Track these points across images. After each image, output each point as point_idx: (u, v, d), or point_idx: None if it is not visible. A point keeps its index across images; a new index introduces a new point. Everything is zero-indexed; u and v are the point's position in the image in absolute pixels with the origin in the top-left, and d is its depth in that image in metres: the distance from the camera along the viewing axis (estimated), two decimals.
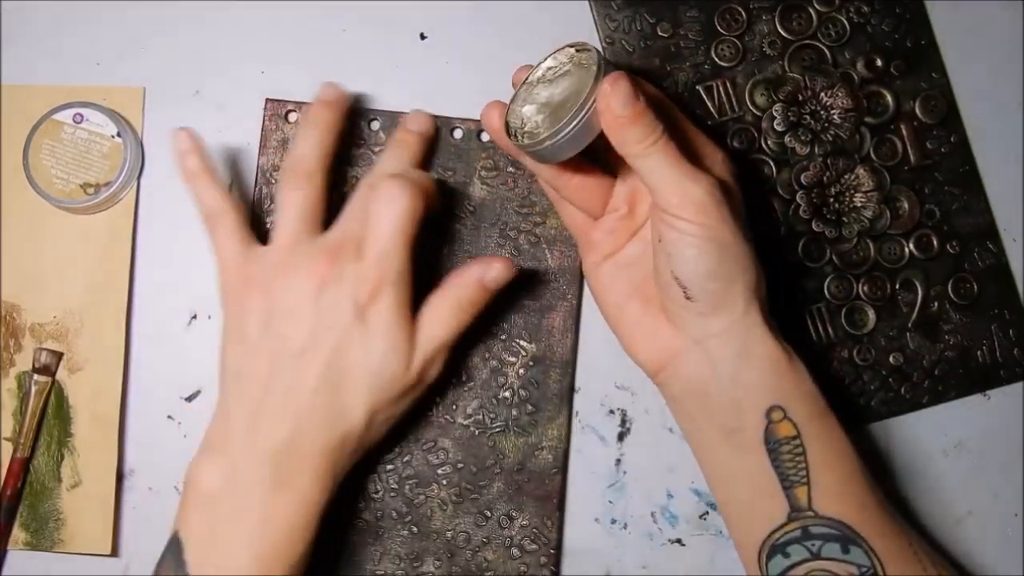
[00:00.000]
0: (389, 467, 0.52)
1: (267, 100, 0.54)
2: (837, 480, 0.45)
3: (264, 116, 0.54)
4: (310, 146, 0.49)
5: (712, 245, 0.43)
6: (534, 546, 0.52)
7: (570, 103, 0.43)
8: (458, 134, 0.54)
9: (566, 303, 0.53)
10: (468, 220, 0.53)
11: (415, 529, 0.52)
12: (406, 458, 0.52)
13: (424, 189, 0.47)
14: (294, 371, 0.45)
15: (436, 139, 0.53)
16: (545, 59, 0.46)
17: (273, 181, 0.53)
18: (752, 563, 0.45)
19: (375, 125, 0.54)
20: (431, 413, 0.52)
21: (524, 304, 0.53)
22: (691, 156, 0.45)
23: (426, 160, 0.53)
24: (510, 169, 0.54)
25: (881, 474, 0.54)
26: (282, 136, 0.54)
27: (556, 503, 0.52)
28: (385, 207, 0.46)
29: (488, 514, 0.52)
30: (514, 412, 0.53)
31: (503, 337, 0.53)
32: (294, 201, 0.48)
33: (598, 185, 0.48)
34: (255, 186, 0.53)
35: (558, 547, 0.52)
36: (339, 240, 0.47)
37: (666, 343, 0.46)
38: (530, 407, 0.53)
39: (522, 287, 0.53)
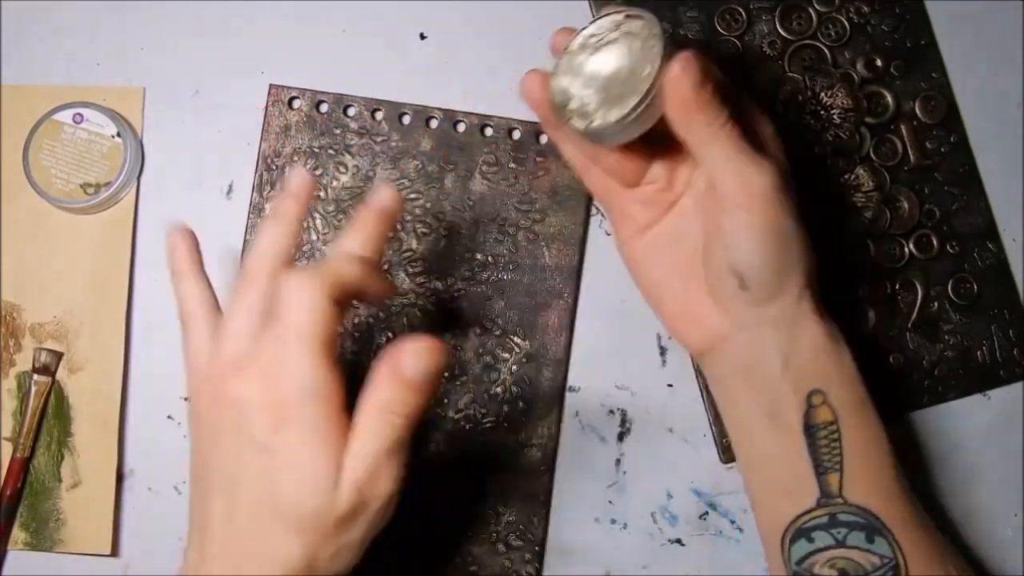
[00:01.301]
0: None
1: (270, 86, 0.54)
2: (869, 469, 0.44)
3: (267, 102, 0.54)
4: (268, 242, 0.43)
5: (773, 236, 0.42)
6: (519, 543, 0.52)
7: (624, 79, 0.40)
8: (461, 128, 0.54)
9: (562, 301, 0.53)
10: (467, 214, 0.53)
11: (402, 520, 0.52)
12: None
13: (332, 277, 0.40)
14: (222, 508, 0.41)
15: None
16: (587, 25, 0.42)
17: (274, 168, 0.53)
18: (774, 545, 0.45)
19: (378, 115, 0.54)
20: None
21: (520, 301, 0.53)
22: (750, 138, 0.43)
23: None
24: (511, 165, 0.54)
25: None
26: (284, 122, 0.54)
27: (543, 501, 0.52)
28: (285, 311, 0.40)
29: (475, 508, 0.52)
30: (505, 408, 0.53)
31: (497, 333, 0.53)
32: (237, 307, 0.42)
33: (638, 155, 0.46)
34: (255, 173, 0.53)
35: (542, 544, 0.52)
36: (257, 352, 0.41)
37: (714, 326, 0.45)
38: (522, 404, 0.53)
39: (519, 284, 0.53)
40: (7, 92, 0.54)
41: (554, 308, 0.53)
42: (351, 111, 0.54)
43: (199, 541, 0.42)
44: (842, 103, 0.54)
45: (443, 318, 0.53)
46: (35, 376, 0.52)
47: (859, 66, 0.55)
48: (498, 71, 0.55)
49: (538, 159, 0.54)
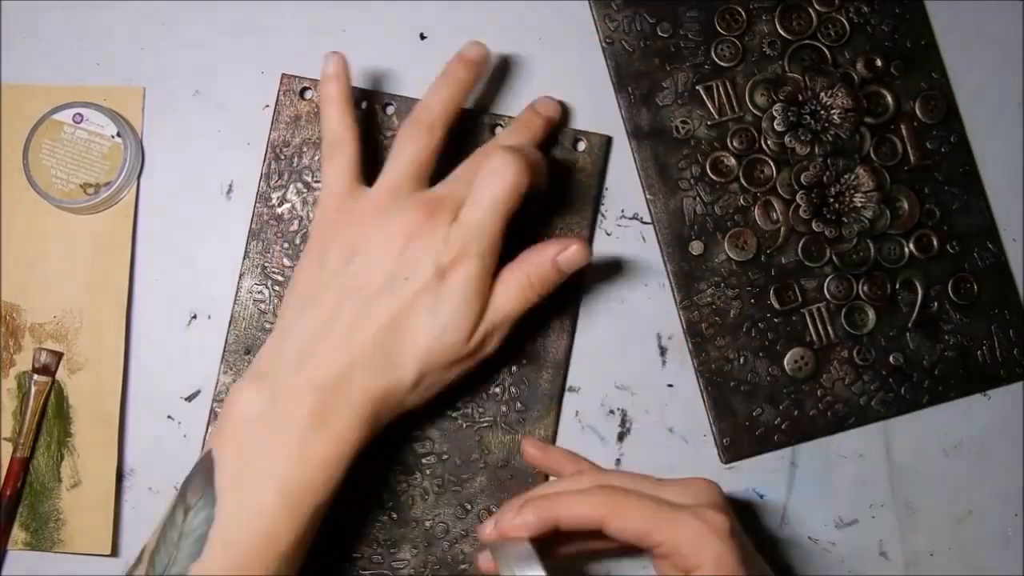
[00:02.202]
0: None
1: (283, 75, 0.54)
2: None
3: (279, 91, 0.54)
4: (439, 100, 0.49)
5: None
6: None
7: None
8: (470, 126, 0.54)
9: (564, 304, 0.53)
10: None
11: (394, 516, 0.52)
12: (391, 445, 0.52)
13: (534, 165, 0.47)
14: (361, 312, 0.45)
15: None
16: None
17: (283, 157, 0.53)
18: None
19: (390, 110, 0.54)
20: None
21: None
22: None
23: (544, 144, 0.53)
24: None
25: (882, 474, 0.54)
26: (295, 112, 0.54)
27: None
28: (490, 177, 0.46)
29: (468, 507, 0.52)
30: (503, 408, 0.53)
31: None
32: (409, 149, 0.48)
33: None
34: (264, 161, 0.53)
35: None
36: (439, 198, 0.47)
37: None
38: (520, 405, 0.53)
39: None
40: (7, 92, 0.54)
41: (556, 311, 0.53)
42: (362, 105, 0.54)
43: (308, 339, 0.45)
44: (842, 103, 0.54)
45: None
46: (35, 376, 0.52)
47: (859, 66, 0.55)
48: (495, 75, 0.55)
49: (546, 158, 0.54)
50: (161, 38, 0.54)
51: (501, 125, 0.54)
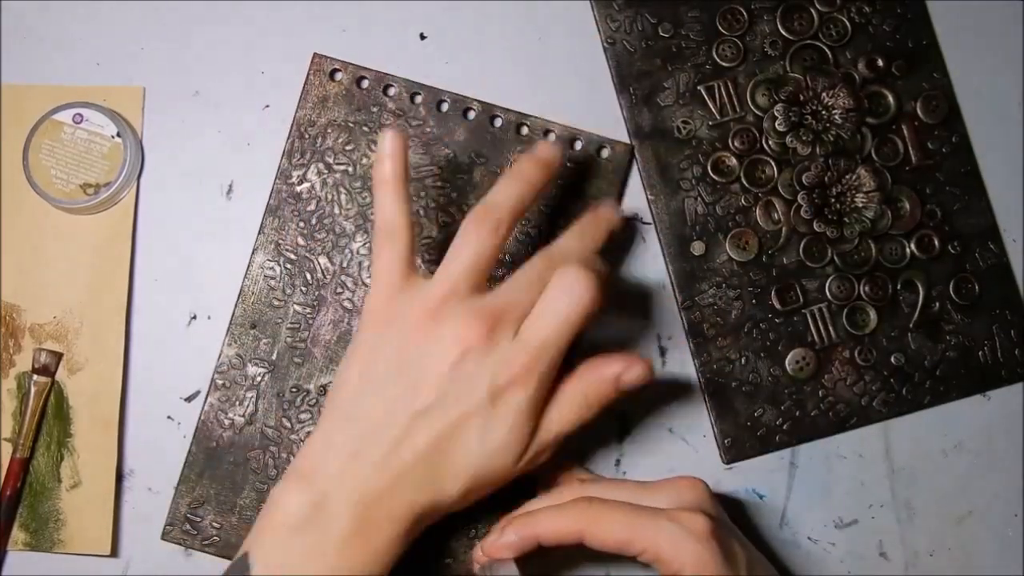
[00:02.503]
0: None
1: (314, 55, 0.53)
2: None
3: (309, 71, 0.53)
4: (509, 197, 0.46)
5: None
6: None
7: None
8: (498, 123, 0.53)
9: None
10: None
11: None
12: None
13: (605, 287, 0.44)
14: (408, 428, 0.43)
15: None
16: None
17: (307, 136, 0.53)
18: None
19: (417, 99, 0.53)
20: None
21: None
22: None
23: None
24: None
25: (881, 474, 0.54)
26: (323, 93, 0.53)
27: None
28: (565, 296, 0.43)
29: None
30: None
31: None
32: (471, 249, 0.45)
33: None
34: (288, 138, 0.53)
35: None
36: (501, 309, 0.44)
37: None
38: None
39: None
40: (7, 92, 0.54)
41: None
42: (391, 91, 0.54)
43: (354, 444, 0.43)
44: (843, 103, 0.54)
45: None
46: (35, 376, 0.52)
47: (860, 66, 0.55)
48: (496, 76, 0.54)
49: (569, 164, 0.53)
50: (161, 38, 0.54)
51: (527, 125, 0.53)
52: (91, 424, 0.52)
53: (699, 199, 0.54)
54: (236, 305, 0.53)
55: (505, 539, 0.44)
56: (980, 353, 0.54)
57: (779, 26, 0.55)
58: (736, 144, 0.54)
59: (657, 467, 0.53)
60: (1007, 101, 0.56)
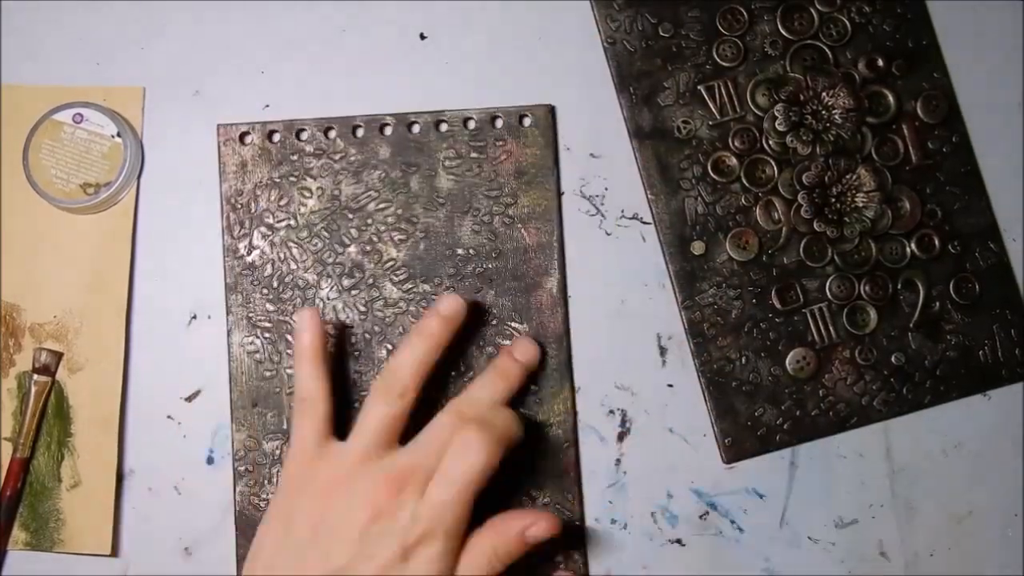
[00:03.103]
0: None
1: (218, 126, 0.53)
2: None
3: (218, 143, 0.53)
4: (412, 360, 0.48)
5: None
6: None
7: None
8: (416, 129, 0.54)
9: (550, 278, 0.53)
10: (440, 212, 0.53)
11: None
12: None
13: (508, 440, 0.47)
14: None
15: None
16: None
17: (239, 206, 0.53)
18: None
19: (331, 134, 0.54)
20: (438, 409, 0.52)
21: (509, 286, 0.53)
22: None
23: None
24: (473, 155, 0.54)
25: (882, 474, 0.54)
26: (240, 160, 0.53)
27: (574, 476, 0.52)
28: (461, 457, 0.45)
29: (508, 500, 0.52)
30: (517, 394, 0.52)
31: (494, 322, 0.53)
32: (379, 412, 0.47)
33: None
34: (222, 215, 0.53)
35: (582, 518, 0.53)
36: (407, 470, 0.46)
37: None
38: (532, 386, 0.53)
39: (505, 270, 0.53)
40: (7, 92, 0.54)
41: (544, 286, 0.53)
42: (304, 135, 0.54)
43: None
44: (843, 103, 0.54)
45: None
46: (35, 376, 0.52)
47: (860, 66, 0.55)
48: (496, 76, 0.54)
49: (498, 143, 0.54)
50: (161, 38, 0.54)
51: (445, 120, 0.54)
52: (91, 424, 0.52)
53: (699, 199, 0.54)
54: (231, 390, 0.52)
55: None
56: (980, 353, 0.54)
57: (779, 26, 0.55)
58: (736, 144, 0.54)
59: (657, 467, 0.53)
60: (1007, 101, 0.56)
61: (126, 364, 0.53)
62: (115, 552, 0.53)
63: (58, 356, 0.53)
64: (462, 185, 0.54)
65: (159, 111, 0.54)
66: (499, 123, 0.54)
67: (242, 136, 0.54)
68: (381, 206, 0.53)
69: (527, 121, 0.54)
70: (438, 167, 0.54)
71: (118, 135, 0.53)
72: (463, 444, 0.46)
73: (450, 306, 0.50)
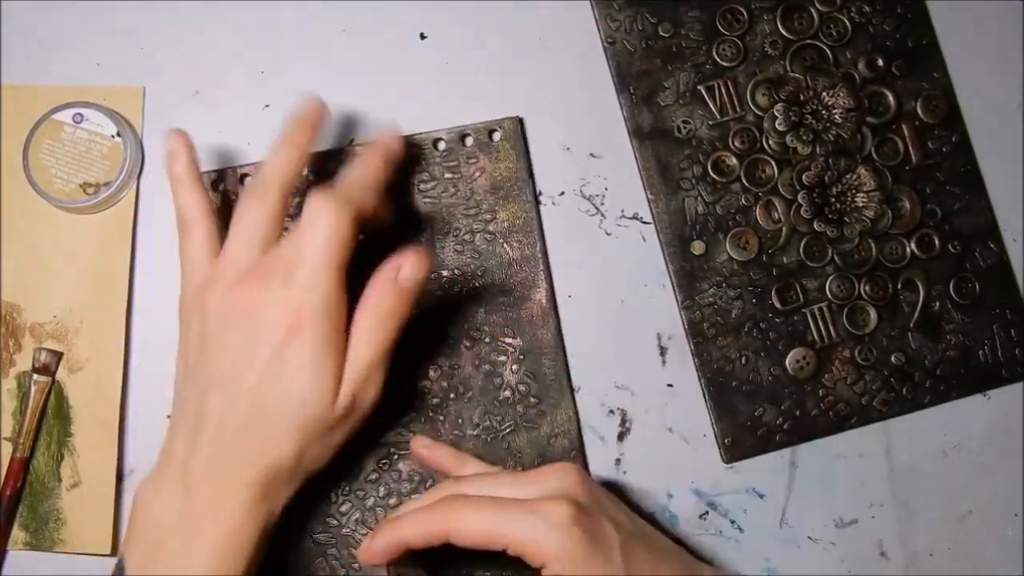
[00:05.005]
0: (415, 496, 0.51)
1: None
2: None
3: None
4: (278, 166, 0.47)
5: None
6: None
7: None
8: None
9: (538, 290, 0.53)
10: (420, 237, 0.53)
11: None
12: (428, 483, 0.52)
13: (353, 204, 0.45)
14: (220, 403, 0.44)
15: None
16: None
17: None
18: None
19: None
20: (440, 434, 0.52)
21: (499, 301, 0.53)
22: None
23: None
24: (447, 175, 0.53)
25: (882, 474, 0.54)
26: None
27: None
28: (309, 229, 0.44)
29: None
30: (519, 409, 0.53)
31: (487, 340, 0.53)
32: (246, 219, 0.46)
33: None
34: None
35: None
36: (270, 264, 0.45)
37: None
38: (533, 399, 0.53)
39: (492, 286, 0.53)
40: (7, 92, 0.54)
41: (533, 299, 0.53)
42: (248, 181, 0.53)
43: (189, 433, 0.44)
44: (844, 103, 0.54)
45: (430, 342, 0.53)
46: (35, 376, 0.52)
47: (861, 66, 0.55)
48: (496, 75, 0.54)
49: (470, 160, 0.54)
50: (161, 38, 0.54)
51: (414, 143, 0.53)
52: (91, 424, 0.52)
53: (699, 199, 0.54)
54: None
55: (374, 546, 0.44)
56: (980, 352, 0.54)
57: (779, 26, 0.55)
58: (736, 144, 0.54)
59: (657, 467, 0.53)
60: (1007, 101, 0.56)
61: (126, 364, 0.53)
62: (115, 552, 0.52)
63: (58, 356, 0.53)
64: (439, 206, 0.53)
65: (159, 111, 0.54)
66: (469, 141, 0.54)
67: (214, 184, 0.53)
68: (362, 237, 0.53)
69: (496, 135, 0.54)
70: (413, 191, 0.53)
71: (118, 135, 0.53)
72: (309, 217, 0.44)
73: (310, 109, 0.48)
